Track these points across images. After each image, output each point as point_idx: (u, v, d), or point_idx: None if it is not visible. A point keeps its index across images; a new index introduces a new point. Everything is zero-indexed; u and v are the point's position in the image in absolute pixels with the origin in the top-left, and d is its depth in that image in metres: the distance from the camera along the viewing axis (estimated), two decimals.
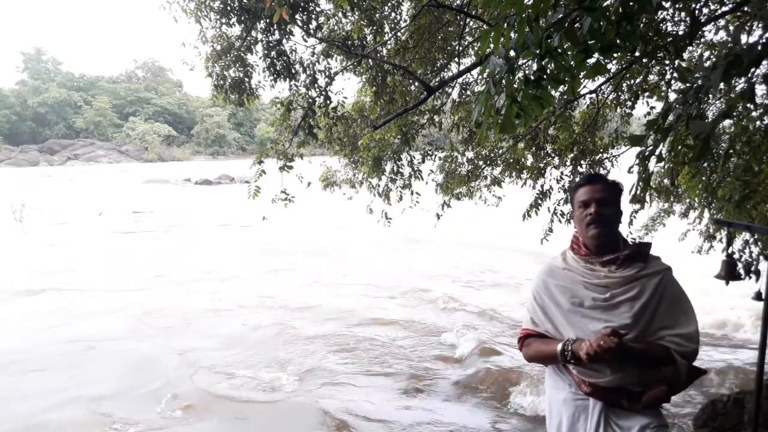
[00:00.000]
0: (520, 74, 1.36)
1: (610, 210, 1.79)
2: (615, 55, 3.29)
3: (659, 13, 3.46)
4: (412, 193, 5.58)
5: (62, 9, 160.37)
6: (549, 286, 1.86)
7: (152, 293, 9.28)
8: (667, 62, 3.84)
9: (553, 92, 1.51)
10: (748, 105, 3.08)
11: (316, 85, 4.42)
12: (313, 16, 4.34)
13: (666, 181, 5.72)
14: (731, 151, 3.74)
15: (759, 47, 1.31)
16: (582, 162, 5.07)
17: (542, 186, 5.27)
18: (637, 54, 3.54)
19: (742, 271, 3.41)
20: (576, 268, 1.83)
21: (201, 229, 16.96)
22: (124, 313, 8.13)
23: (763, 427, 3.20)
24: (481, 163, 5.65)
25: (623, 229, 1.90)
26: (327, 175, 6.02)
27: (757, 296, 2.69)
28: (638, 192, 1.71)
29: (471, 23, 4.92)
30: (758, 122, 3.71)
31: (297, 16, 4.12)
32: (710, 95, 2.13)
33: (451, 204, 5.72)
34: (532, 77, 1.32)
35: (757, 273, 3.71)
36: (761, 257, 4.45)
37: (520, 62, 1.41)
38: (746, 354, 6.28)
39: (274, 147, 4.35)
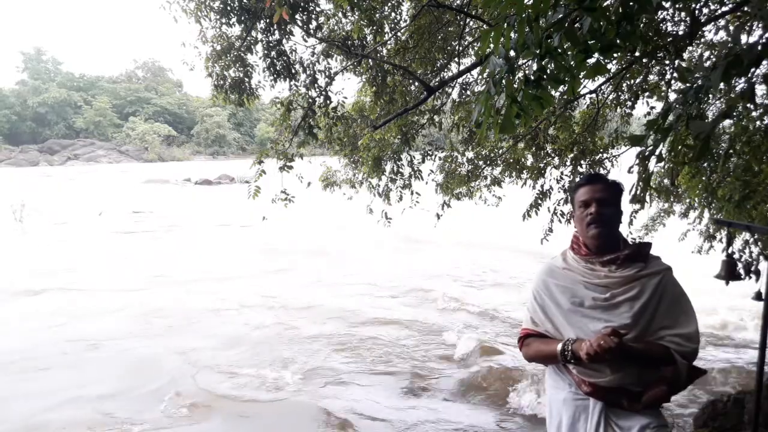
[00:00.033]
0: (520, 74, 1.36)
1: (611, 210, 1.79)
2: (615, 55, 3.29)
3: (659, 13, 3.46)
4: (412, 193, 5.58)
5: (62, 9, 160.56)
6: (549, 286, 1.86)
7: (153, 293, 9.28)
8: (667, 62, 3.84)
9: (553, 92, 1.51)
10: (748, 105, 3.08)
11: (316, 85, 4.42)
12: (313, 16, 4.34)
13: (666, 181, 5.72)
14: (731, 151, 3.73)
15: (759, 47, 1.31)
16: (582, 162, 5.07)
17: (542, 186, 5.27)
18: (637, 54, 3.54)
19: (742, 271, 3.41)
20: (576, 268, 1.83)
21: (201, 229, 16.96)
22: (124, 313, 8.13)
23: (763, 427, 3.20)
24: (481, 163, 5.65)
25: (623, 229, 1.90)
26: (327, 175, 6.01)
27: (757, 296, 2.70)
28: (638, 192, 1.71)
29: (471, 23, 4.92)
30: (758, 122, 3.71)
31: (297, 16, 4.12)
32: (710, 95, 2.13)
33: (451, 204, 5.72)
34: (532, 77, 1.32)
35: (757, 273, 3.71)
36: (761, 257, 4.44)
37: (520, 62, 1.41)
38: (746, 354, 6.29)
39: (274, 147, 4.35)
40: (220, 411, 5.07)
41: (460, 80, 5.26)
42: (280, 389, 5.49)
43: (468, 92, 5.42)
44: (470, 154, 5.72)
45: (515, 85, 1.34)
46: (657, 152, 1.53)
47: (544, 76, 1.32)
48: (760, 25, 2.62)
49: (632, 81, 4.71)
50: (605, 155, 5.14)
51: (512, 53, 1.31)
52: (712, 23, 3.55)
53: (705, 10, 3.31)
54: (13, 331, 7.33)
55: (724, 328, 7.33)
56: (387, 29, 4.82)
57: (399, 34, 4.88)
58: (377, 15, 4.59)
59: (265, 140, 55.90)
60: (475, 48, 5.02)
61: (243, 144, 73.56)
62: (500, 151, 5.63)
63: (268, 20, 4.16)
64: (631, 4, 1.30)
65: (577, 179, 4.34)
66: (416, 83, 4.83)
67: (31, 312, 8.19)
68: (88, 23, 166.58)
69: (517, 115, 1.34)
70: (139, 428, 4.68)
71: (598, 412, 1.74)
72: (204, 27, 4.37)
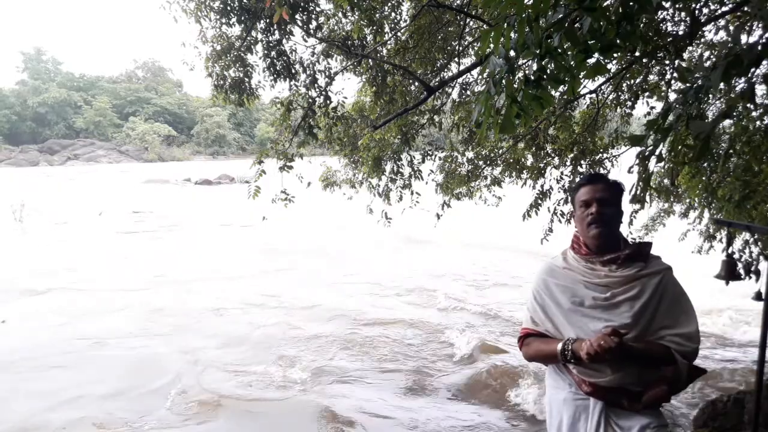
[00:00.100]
0: (520, 74, 1.36)
1: (611, 210, 1.79)
2: (615, 55, 3.29)
3: (659, 13, 3.46)
4: (412, 193, 5.59)
5: (62, 9, 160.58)
6: (549, 286, 1.86)
7: (154, 293, 9.28)
8: (667, 62, 3.84)
9: (553, 92, 1.51)
10: (748, 105, 3.08)
11: (316, 85, 4.42)
12: (313, 16, 4.34)
13: (666, 181, 5.72)
14: (731, 151, 3.73)
15: (759, 47, 1.31)
16: (582, 162, 5.08)
17: (542, 186, 5.27)
18: (637, 54, 3.54)
19: (742, 271, 3.41)
20: (576, 268, 1.83)
21: (201, 229, 16.96)
22: (125, 312, 8.13)
23: (763, 427, 3.20)
24: (481, 163, 5.65)
25: (623, 229, 1.90)
26: (327, 175, 6.02)
27: (757, 296, 2.70)
28: (638, 192, 1.71)
29: (471, 23, 4.92)
30: (758, 122, 3.71)
31: (297, 16, 4.12)
32: (710, 95, 2.13)
33: (451, 204, 5.73)
34: (532, 77, 1.33)
35: (757, 273, 3.71)
36: (761, 257, 4.44)
37: (520, 62, 1.41)
38: (746, 354, 6.29)
39: (274, 147, 4.35)
40: (227, 409, 5.07)
41: (460, 80, 5.26)
42: (287, 388, 5.50)
43: (468, 92, 5.42)
44: (470, 154, 5.73)
45: (515, 85, 1.34)
46: (657, 152, 1.53)
47: (544, 76, 1.32)
48: (760, 25, 2.62)
49: (632, 81, 4.71)
50: (605, 155, 5.15)
51: (512, 53, 1.31)
52: (712, 23, 3.55)
53: (705, 10, 3.31)
54: (14, 331, 7.32)
55: (723, 328, 7.34)
56: (387, 29, 4.83)
57: (399, 34, 4.88)
58: (377, 15, 4.59)
59: (265, 140, 55.93)
60: (475, 48, 5.02)
61: (243, 144, 73.57)
62: (500, 151, 5.63)
63: (268, 20, 4.16)
64: (631, 4, 1.31)
65: (577, 179, 4.35)
66: (416, 83, 4.83)
67: (32, 312, 8.19)
68: (88, 23, 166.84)
69: (517, 115, 1.34)
70: (148, 426, 4.68)
71: (598, 411, 1.74)
72: (204, 27, 4.37)
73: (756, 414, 2.77)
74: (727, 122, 4.05)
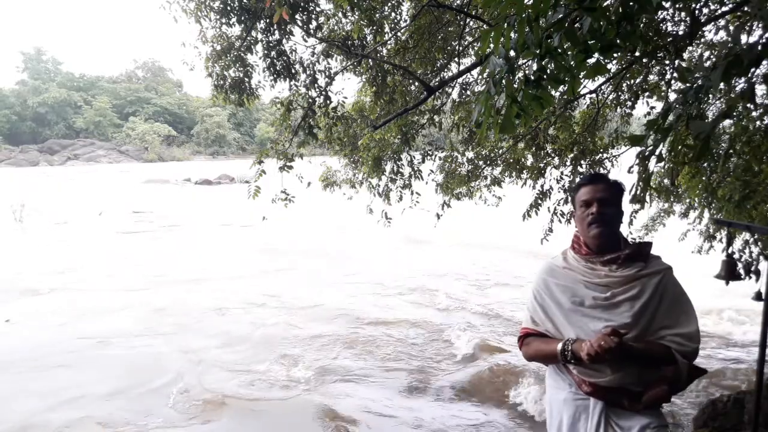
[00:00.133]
0: (520, 74, 1.36)
1: (612, 210, 1.80)
2: (615, 55, 3.29)
3: (659, 13, 3.46)
4: (412, 193, 5.59)
5: (62, 9, 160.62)
6: (549, 285, 1.86)
7: (154, 293, 9.28)
8: (667, 62, 3.84)
9: (553, 92, 1.51)
10: (748, 105, 3.08)
11: (316, 85, 4.42)
12: (313, 16, 4.34)
13: (666, 181, 5.72)
14: (731, 151, 3.74)
15: (759, 47, 1.31)
16: (582, 162, 5.08)
17: (542, 186, 5.28)
18: (637, 54, 3.54)
19: (742, 271, 3.41)
20: (577, 268, 1.83)
21: (201, 229, 16.95)
22: (126, 312, 8.12)
23: (763, 427, 3.20)
24: (481, 163, 5.65)
25: (624, 229, 1.91)
26: (327, 175, 6.02)
27: (757, 296, 2.70)
28: (638, 192, 1.71)
29: (471, 23, 4.92)
30: (758, 122, 3.71)
31: (297, 16, 4.12)
32: (710, 95, 2.13)
33: (451, 204, 5.73)
34: (532, 77, 1.33)
35: (757, 273, 3.72)
36: (761, 257, 4.45)
37: (520, 62, 1.41)
38: (746, 354, 6.29)
39: (274, 147, 4.35)
40: (231, 408, 5.07)
41: (460, 80, 5.26)
42: (290, 387, 5.50)
43: (468, 92, 5.42)
44: (470, 154, 5.73)
45: (515, 85, 1.34)
46: (657, 152, 1.53)
47: (544, 76, 1.32)
48: (760, 25, 2.62)
49: (632, 81, 4.72)
50: (605, 155, 5.15)
51: (512, 53, 1.31)
52: (712, 23, 3.55)
53: (705, 10, 3.31)
54: (14, 331, 7.32)
55: (723, 328, 7.34)
56: (387, 29, 4.83)
57: (399, 34, 4.88)
58: (377, 15, 4.59)
59: (265, 140, 55.92)
60: (475, 48, 5.02)
61: (243, 144, 73.57)
62: (500, 151, 5.63)
63: (268, 20, 4.16)
64: (631, 4, 1.31)
65: (578, 179, 4.35)
66: (416, 83, 4.83)
67: (32, 312, 8.18)
68: (88, 23, 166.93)
69: (517, 115, 1.34)
70: (153, 425, 4.68)
71: (598, 412, 1.74)
72: (204, 27, 4.38)
73: (756, 414, 2.77)
74: (727, 122, 4.05)
